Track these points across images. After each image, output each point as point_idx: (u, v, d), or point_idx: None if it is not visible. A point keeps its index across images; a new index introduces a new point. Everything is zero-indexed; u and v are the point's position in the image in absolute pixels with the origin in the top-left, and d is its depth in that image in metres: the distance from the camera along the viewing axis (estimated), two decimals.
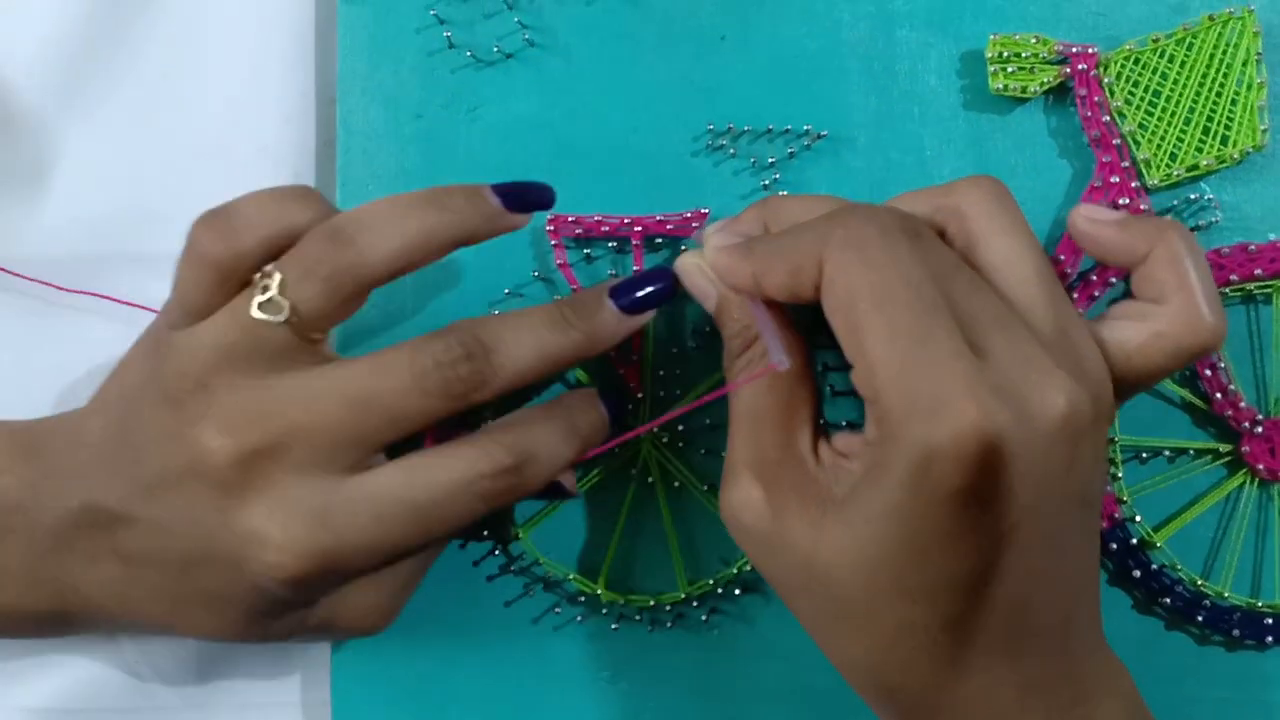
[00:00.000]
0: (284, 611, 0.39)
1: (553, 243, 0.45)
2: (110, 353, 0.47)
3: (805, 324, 0.39)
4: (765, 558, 0.36)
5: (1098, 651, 0.36)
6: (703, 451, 0.45)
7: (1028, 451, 0.32)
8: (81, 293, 0.47)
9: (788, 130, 0.45)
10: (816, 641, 0.37)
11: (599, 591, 0.44)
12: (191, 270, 0.38)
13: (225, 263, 0.38)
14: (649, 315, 0.41)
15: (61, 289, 0.47)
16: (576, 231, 0.45)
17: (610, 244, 0.45)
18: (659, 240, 0.45)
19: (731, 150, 0.45)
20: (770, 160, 0.45)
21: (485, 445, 0.38)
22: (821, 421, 0.39)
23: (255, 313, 0.37)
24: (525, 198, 0.41)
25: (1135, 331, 0.36)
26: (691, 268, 0.39)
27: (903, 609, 0.34)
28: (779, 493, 0.36)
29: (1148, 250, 0.37)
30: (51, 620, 0.41)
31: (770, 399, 0.37)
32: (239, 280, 0.38)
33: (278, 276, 0.37)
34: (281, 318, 0.37)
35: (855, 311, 0.33)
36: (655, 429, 0.45)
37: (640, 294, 0.40)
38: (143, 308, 0.46)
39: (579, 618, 0.45)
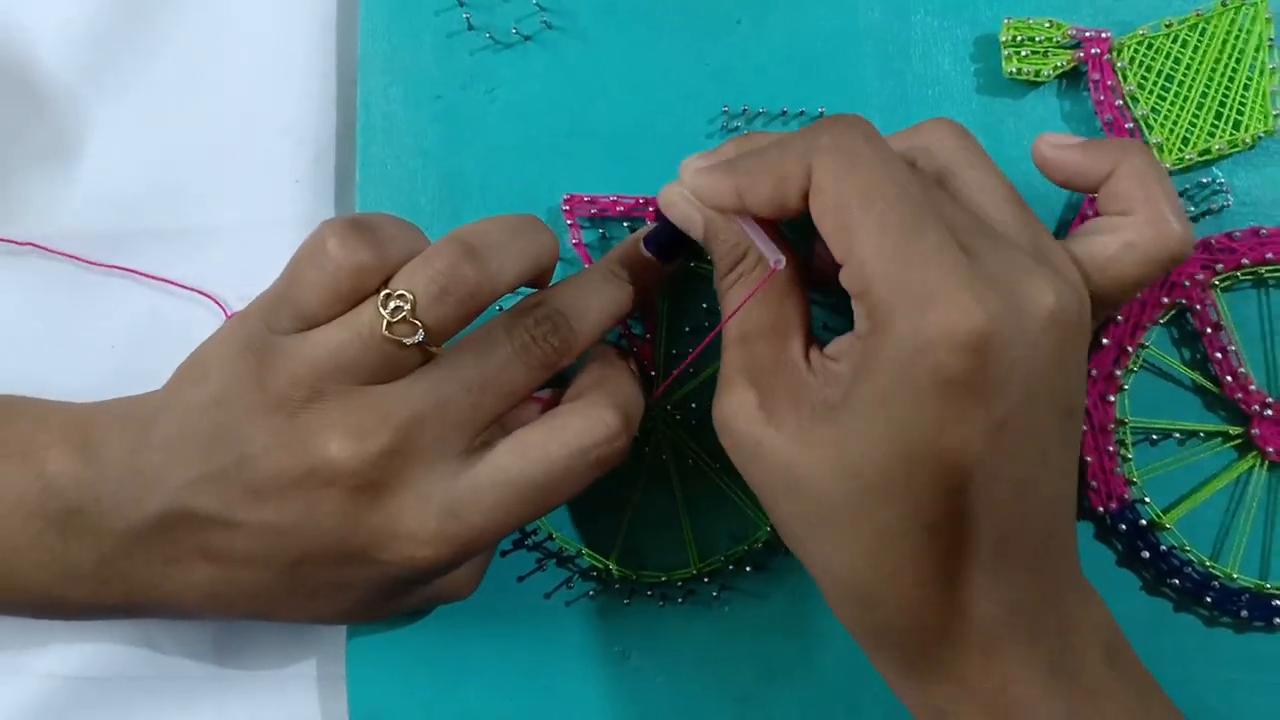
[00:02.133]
0: (402, 593, 0.40)
1: (568, 222, 0.45)
2: (137, 326, 0.48)
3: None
4: (753, 463, 0.37)
5: (1077, 579, 0.37)
6: (710, 434, 0.45)
7: (1018, 343, 0.33)
8: (111, 267, 0.48)
9: (802, 113, 0.45)
10: (800, 554, 0.37)
11: (611, 567, 0.45)
12: (321, 276, 0.37)
13: (367, 273, 0.37)
14: (679, 261, 0.42)
15: (91, 263, 0.48)
16: (592, 211, 0.45)
17: (625, 224, 0.46)
18: None
19: (746, 132, 0.46)
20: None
21: (591, 412, 0.39)
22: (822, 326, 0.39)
23: (386, 332, 0.37)
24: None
25: (1106, 243, 0.37)
26: (675, 196, 0.40)
27: (885, 511, 0.34)
28: (771, 398, 0.36)
29: (1112, 168, 0.38)
30: (120, 612, 0.41)
31: (762, 309, 0.38)
32: (365, 293, 0.37)
33: (410, 296, 0.37)
34: (417, 339, 0.37)
35: (845, 211, 0.34)
36: (671, 402, 0.45)
37: (670, 239, 0.41)
38: (171, 282, 0.47)
39: (591, 593, 0.46)
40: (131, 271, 0.48)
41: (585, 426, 0.38)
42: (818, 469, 0.34)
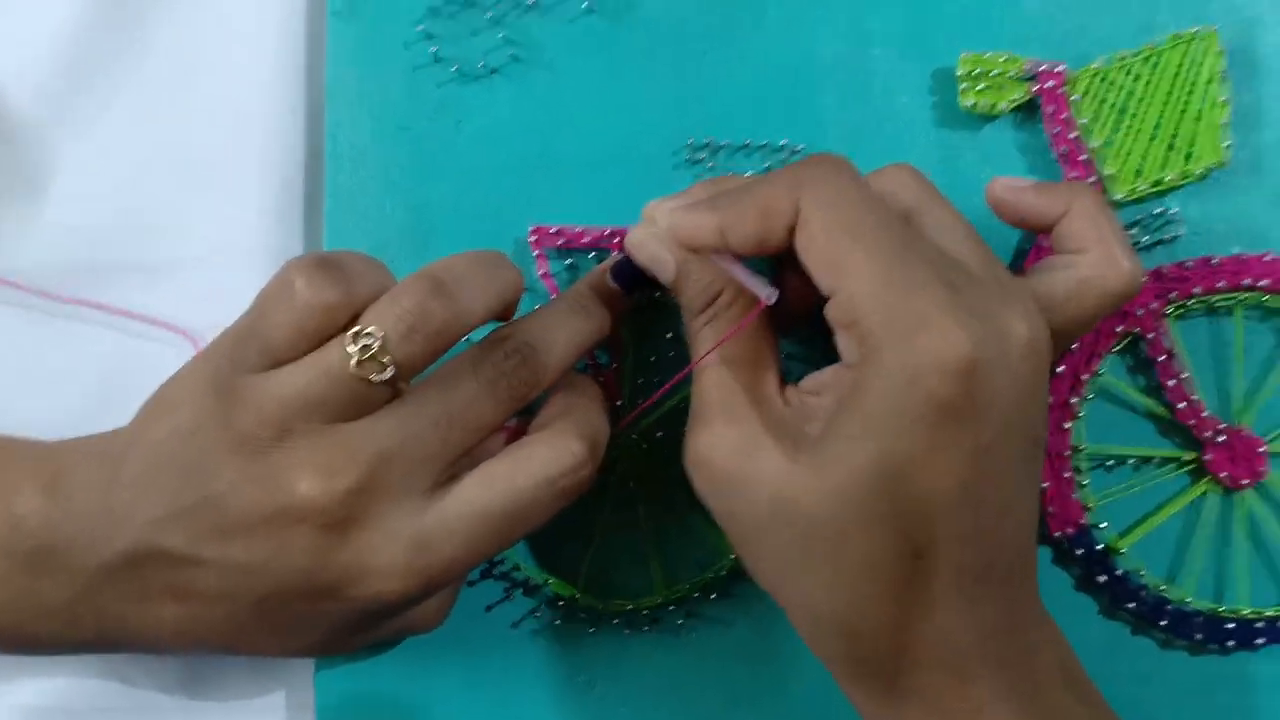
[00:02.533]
0: (371, 626, 0.40)
1: (535, 253, 0.46)
2: (107, 362, 0.48)
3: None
4: (728, 499, 0.37)
5: (1038, 605, 0.38)
6: (676, 463, 0.46)
7: (1000, 371, 0.34)
8: (79, 302, 0.48)
9: (765, 145, 0.46)
10: (777, 591, 0.37)
11: (577, 596, 0.45)
12: (289, 315, 0.37)
13: (335, 311, 0.37)
14: (645, 293, 0.43)
15: (60, 299, 0.48)
16: (559, 242, 0.46)
17: (591, 255, 0.46)
18: None
19: (710, 163, 0.46)
20: (748, 173, 0.46)
21: (556, 442, 0.39)
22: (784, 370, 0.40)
23: (355, 369, 0.37)
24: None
25: (1062, 280, 0.38)
26: (644, 237, 0.40)
27: (871, 538, 0.34)
28: (751, 432, 0.37)
29: (1064, 209, 0.39)
30: (92, 647, 0.41)
31: (736, 345, 0.39)
32: (333, 331, 0.38)
33: (379, 334, 0.37)
34: (386, 376, 0.37)
35: (834, 243, 0.35)
36: (637, 431, 0.46)
37: (636, 270, 0.42)
38: (140, 317, 0.47)
39: (557, 621, 0.46)
40: (103, 307, 0.47)
41: (551, 457, 0.39)
42: (803, 499, 0.35)
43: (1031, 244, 0.45)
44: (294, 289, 0.37)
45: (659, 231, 0.40)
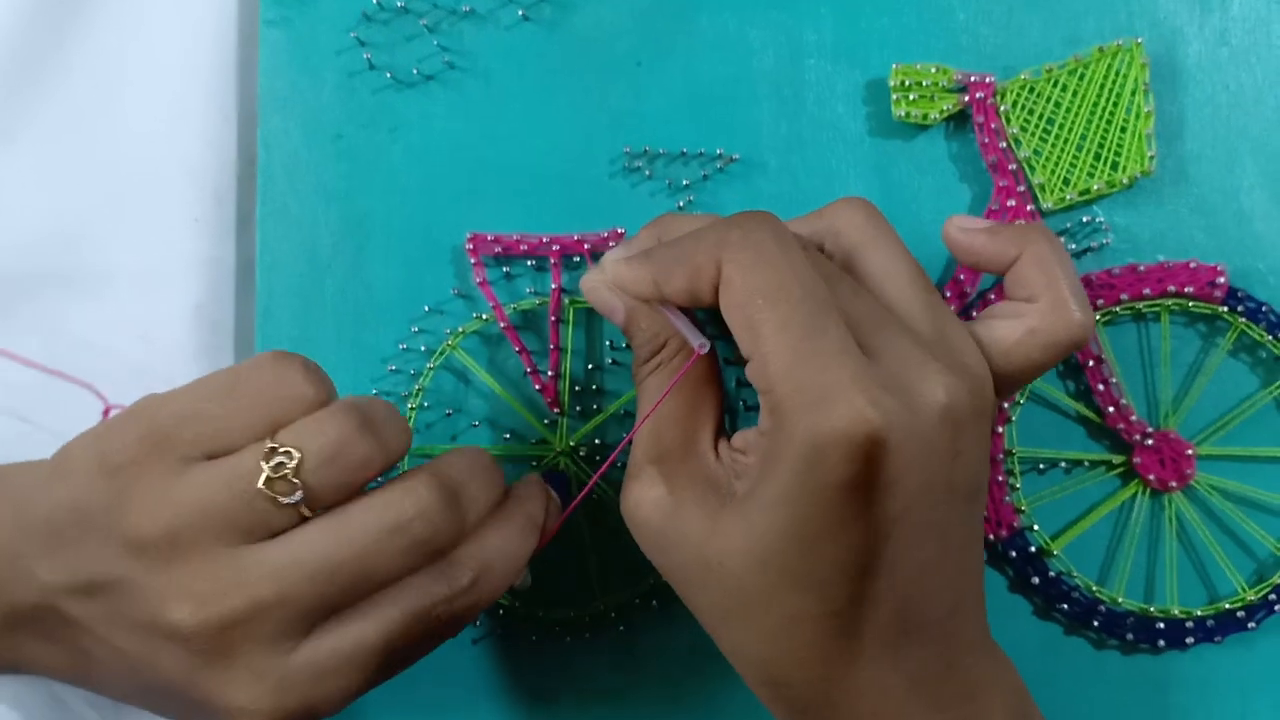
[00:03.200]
0: None
1: (472, 260, 0.46)
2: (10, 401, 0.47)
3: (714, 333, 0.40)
4: (662, 552, 0.37)
5: (983, 647, 0.38)
6: (620, 465, 0.46)
7: (911, 442, 0.34)
8: None
9: (701, 153, 0.46)
10: (712, 635, 0.37)
11: (517, 604, 0.45)
12: (258, 409, 0.36)
13: (305, 410, 0.36)
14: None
15: None
16: (496, 250, 0.46)
17: (529, 262, 0.46)
18: (576, 259, 0.46)
19: (648, 172, 0.46)
20: (685, 182, 0.46)
21: (441, 567, 0.37)
22: (726, 424, 0.40)
23: (263, 485, 0.35)
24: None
25: (1010, 329, 0.38)
26: (597, 284, 0.40)
27: (792, 599, 0.35)
28: (678, 488, 0.37)
29: (1017, 254, 0.39)
30: (12, 672, 0.40)
31: (675, 398, 0.39)
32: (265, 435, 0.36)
33: (297, 455, 0.35)
34: (293, 500, 0.35)
35: (751, 307, 0.35)
36: (574, 443, 0.46)
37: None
38: (38, 366, 0.46)
39: (498, 631, 0.46)
40: (5, 354, 0.47)
41: (427, 582, 0.37)
42: (727, 560, 0.35)
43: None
44: (279, 382, 0.36)
45: (608, 279, 0.39)
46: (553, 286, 0.46)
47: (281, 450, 0.35)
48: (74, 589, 0.37)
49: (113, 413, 0.44)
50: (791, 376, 0.34)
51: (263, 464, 0.35)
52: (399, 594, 0.37)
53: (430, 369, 0.46)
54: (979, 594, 0.38)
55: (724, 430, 0.39)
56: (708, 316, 0.41)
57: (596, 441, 0.46)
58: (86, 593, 0.37)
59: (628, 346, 0.46)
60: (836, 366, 0.33)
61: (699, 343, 0.38)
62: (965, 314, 0.46)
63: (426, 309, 0.46)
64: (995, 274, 0.40)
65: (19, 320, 0.48)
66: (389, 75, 0.47)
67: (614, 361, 0.46)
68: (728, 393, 0.41)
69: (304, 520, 0.36)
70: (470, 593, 0.38)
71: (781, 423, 0.34)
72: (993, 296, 0.46)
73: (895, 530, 0.34)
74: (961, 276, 0.45)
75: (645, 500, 0.37)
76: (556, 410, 0.46)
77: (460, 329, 0.46)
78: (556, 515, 0.41)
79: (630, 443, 0.40)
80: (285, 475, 0.35)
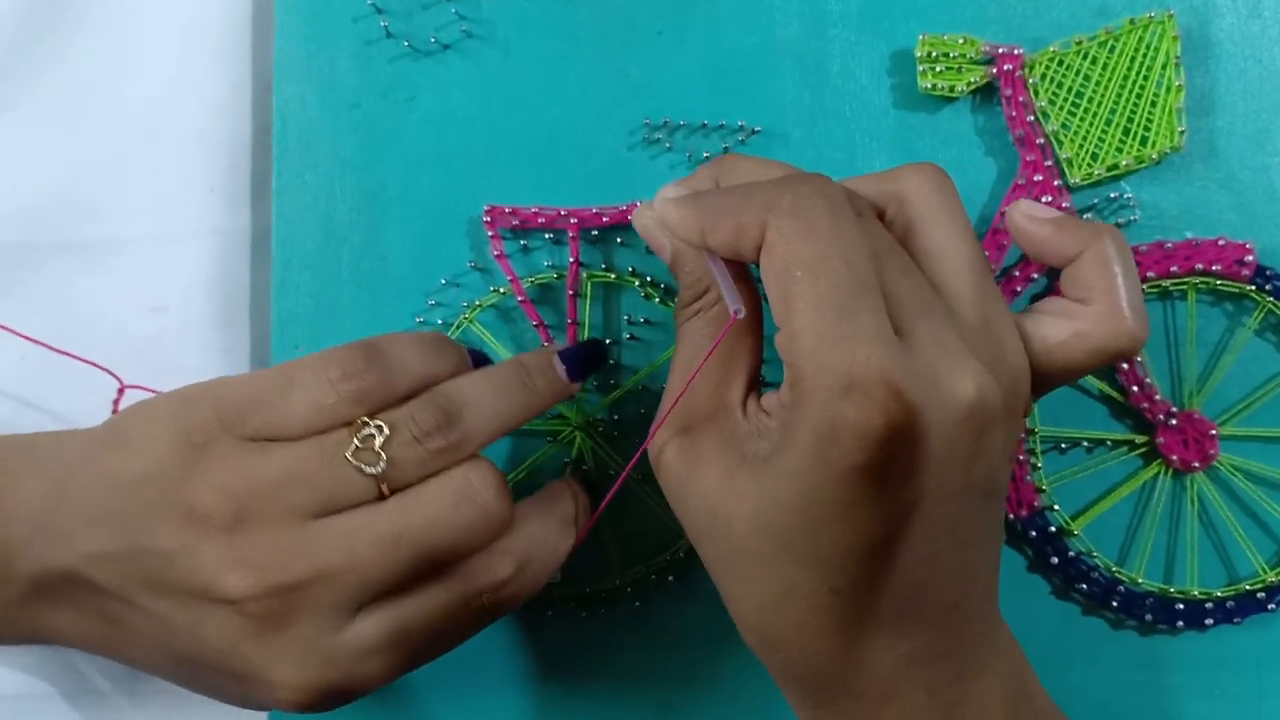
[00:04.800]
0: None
1: (489, 234, 0.45)
2: (5, 377, 0.47)
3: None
4: (679, 500, 0.37)
5: (988, 633, 0.37)
6: (636, 440, 0.46)
7: (933, 436, 0.33)
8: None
9: (722, 125, 0.46)
10: (718, 587, 0.37)
11: None
12: (321, 395, 0.37)
13: (371, 400, 0.37)
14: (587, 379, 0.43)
15: None
16: (513, 223, 0.45)
17: (547, 235, 0.46)
18: (595, 232, 0.46)
19: (667, 144, 0.46)
20: (705, 155, 0.46)
21: (485, 558, 0.38)
22: (762, 378, 0.39)
23: (350, 454, 0.37)
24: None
25: (1058, 328, 0.37)
26: (647, 220, 0.39)
27: (790, 571, 0.34)
28: (702, 440, 0.37)
29: (1079, 251, 0.38)
30: (30, 642, 0.40)
31: (710, 345, 0.38)
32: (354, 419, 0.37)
33: (387, 430, 0.37)
34: (376, 470, 0.37)
35: (788, 278, 0.34)
36: (591, 419, 0.45)
37: (582, 360, 0.42)
38: (43, 344, 0.46)
39: None
40: (20, 335, 0.46)
41: (474, 571, 0.38)
42: (734, 518, 0.35)
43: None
44: (328, 369, 0.37)
45: (657, 217, 0.39)
46: (570, 260, 0.45)
47: (373, 423, 0.37)
48: (115, 557, 0.37)
49: (129, 393, 0.44)
50: (817, 356, 0.33)
51: (353, 436, 0.37)
52: (447, 580, 0.38)
53: None
54: (988, 585, 0.37)
55: (759, 384, 0.39)
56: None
57: (614, 417, 0.45)
58: (129, 560, 0.37)
59: (645, 322, 0.45)
60: (864, 353, 0.33)
61: (735, 308, 0.37)
62: (1004, 276, 0.45)
63: (443, 282, 0.46)
64: (1055, 266, 0.39)
65: (29, 290, 0.47)
66: (406, 44, 0.46)
67: (631, 337, 0.46)
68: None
69: (380, 499, 0.37)
70: (512, 583, 0.39)
71: (800, 400, 0.33)
72: (1016, 273, 0.45)
73: (905, 520, 0.34)
74: (985, 253, 0.45)
75: (669, 448, 0.37)
76: (553, 344, 0.45)
77: (477, 302, 0.46)
78: (587, 516, 0.42)
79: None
80: (372, 447, 0.37)
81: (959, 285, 0.36)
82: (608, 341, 0.46)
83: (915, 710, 0.35)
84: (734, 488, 0.35)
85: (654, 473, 0.38)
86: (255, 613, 0.36)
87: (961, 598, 0.36)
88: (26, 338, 0.46)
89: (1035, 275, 0.45)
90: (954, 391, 0.33)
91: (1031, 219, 0.39)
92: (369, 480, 0.37)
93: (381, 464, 0.37)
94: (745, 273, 0.38)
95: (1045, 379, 0.37)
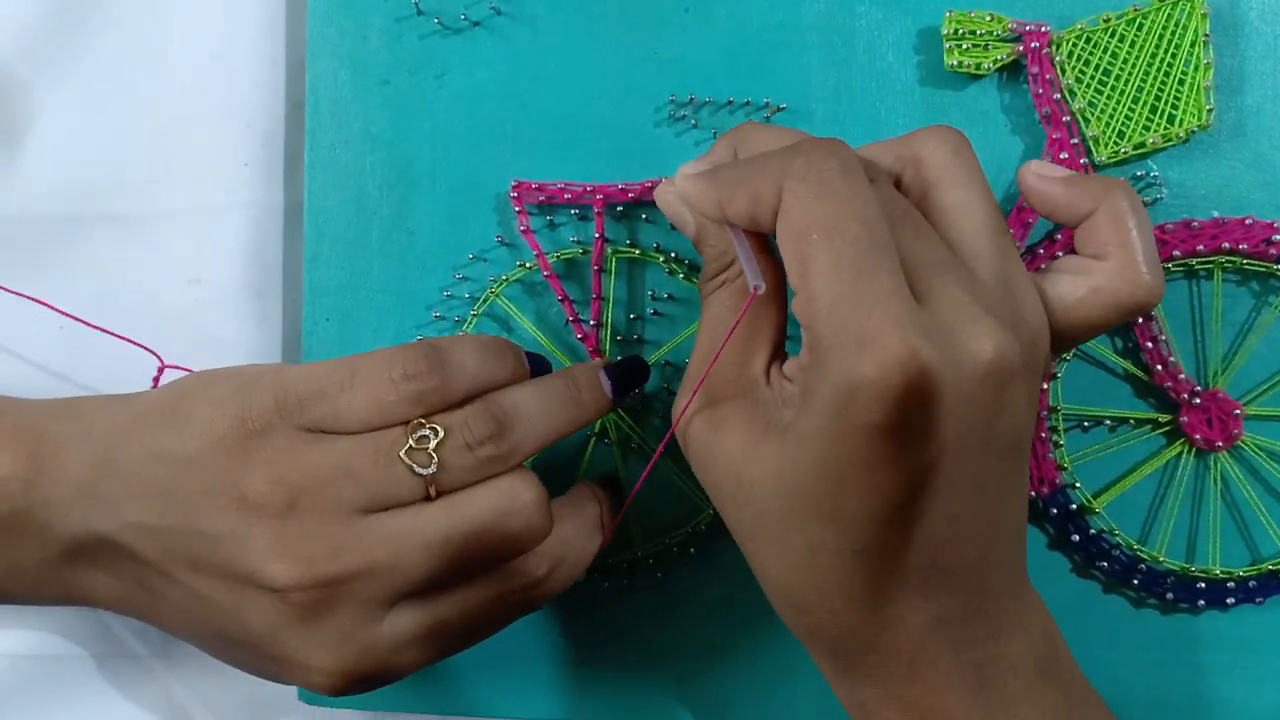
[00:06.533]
0: None
1: (516, 209, 0.46)
2: (46, 347, 0.48)
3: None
4: (704, 467, 0.37)
5: (1016, 592, 0.37)
6: (659, 413, 0.46)
7: (952, 394, 0.33)
8: (17, 294, 0.47)
9: (748, 102, 0.46)
10: (744, 551, 0.38)
11: None
12: (382, 392, 0.38)
13: (429, 402, 0.38)
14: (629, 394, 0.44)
15: (9, 291, 0.47)
16: (540, 198, 0.46)
17: (573, 211, 0.46)
18: (620, 208, 0.46)
19: (693, 121, 0.46)
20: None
21: (522, 560, 0.39)
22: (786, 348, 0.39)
23: (404, 453, 0.37)
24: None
25: (1075, 285, 0.37)
26: (670, 196, 0.40)
27: (815, 531, 0.35)
28: (726, 409, 0.37)
29: (1093, 208, 0.38)
30: (63, 604, 0.41)
31: (734, 318, 0.38)
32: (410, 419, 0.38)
33: (441, 433, 0.38)
34: (428, 471, 0.37)
35: (804, 240, 0.34)
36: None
37: (624, 380, 0.43)
38: (75, 318, 0.47)
39: None
40: (40, 302, 0.47)
41: (507, 572, 0.39)
42: (759, 482, 0.35)
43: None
44: (392, 369, 0.38)
45: (679, 193, 0.39)
46: (596, 236, 0.46)
47: (430, 425, 0.37)
48: (160, 531, 0.37)
49: (168, 373, 0.45)
50: (834, 316, 0.33)
51: (408, 435, 0.37)
52: (483, 579, 0.39)
53: (474, 316, 0.46)
54: (1014, 544, 0.37)
55: (782, 354, 0.39)
56: None
57: (636, 391, 0.46)
58: (173, 537, 0.37)
59: (669, 297, 0.46)
60: (881, 311, 0.33)
61: (755, 282, 0.37)
62: (1029, 251, 0.45)
63: (471, 256, 0.47)
64: (1068, 225, 0.39)
65: (70, 262, 0.49)
66: (436, 21, 0.47)
67: (655, 312, 0.46)
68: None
69: (426, 500, 0.38)
70: (544, 583, 0.40)
71: (819, 361, 0.34)
72: (1041, 250, 0.45)
73: (927, 478, 0.34)
74: (1010, 230, 0.45)
75: (695, 419, 0.38)
76: (599, 358, 0.46)
77: (504, 277, 0.46)
78: (611, 516, 0.43)
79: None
80: (426, 449, 0.37)
81: (976, 244, 0.36)
82: (631, 317, 0.46)
83: (944, 670, 0.36)
84: (758, 453, 0.35)
85: (679, 444, 0.38)
86: (298, 602, 0.36)
87: (987, 557, 0.36)
88: (65, 314, 0.47)
89: (1060, 253, 0.45)
90: (971, 350, 0.34)
91: (1043, 178, 0.39)
92: (419, 480, 0.37)
93: (433, 466, 0.37)
94: (766, 245, 0.38)
95: (1064, 337, 0.37)
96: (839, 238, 0.33)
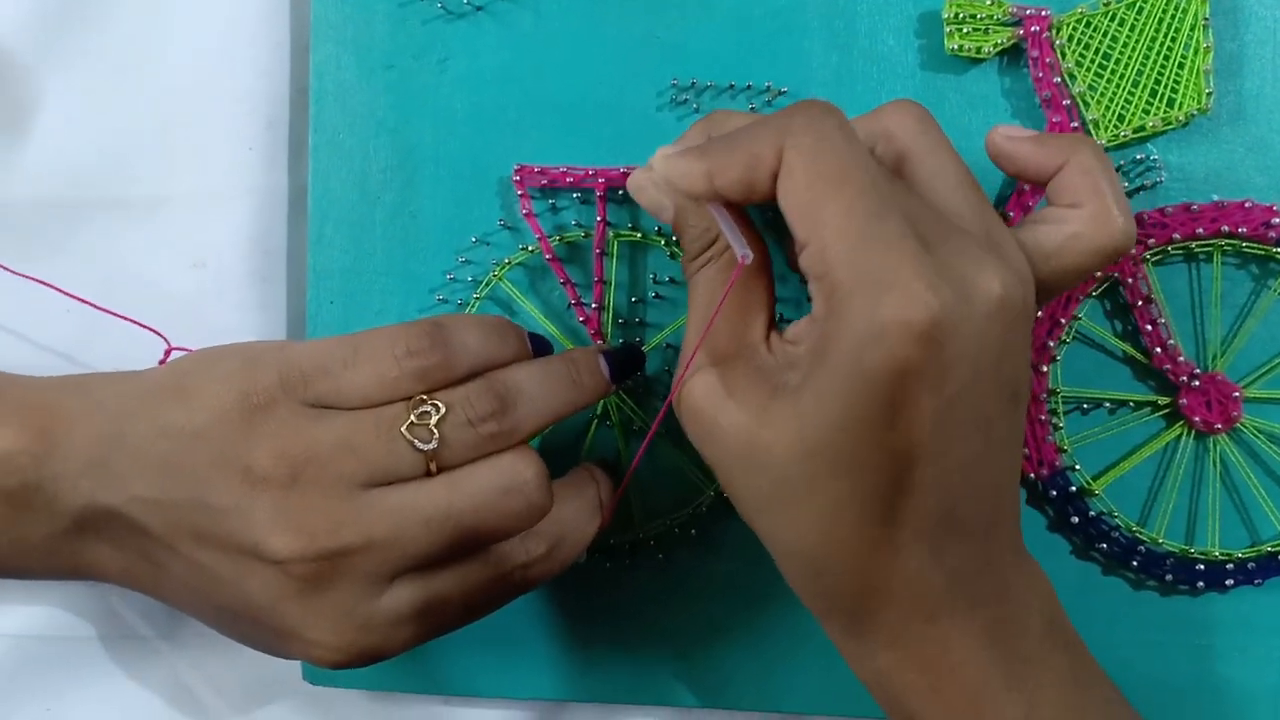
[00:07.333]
0: None
1: (519, 192, 0.46)
2: (52, 330, 0.48)
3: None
4: (710, 442, 0.38)
5: (1019, 553, 0.38)
6: (659, 396, 0.46)
7: (966, 331, 0.34)
8: (27, 277, 0.47)
9: (749, 86, 0.46)
10: (754, 526, 0.38)
11: None
12: (385, 368, 0.38)
13: (432, 378, 0.38)
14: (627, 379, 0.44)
15: (6, 270, 0.47)
16: (542, 182, 0.46)
17: (575, 194, 0.47)
18: (622, 192, 0.46)
19: (695, 105, 0.46)
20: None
21: (521, 539, 0.40)
22: (777, 318, 0.40)
23: (405, 429, 0.38)
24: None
25: (1054, 234, 0.38)
26: (644, 182, 0.40)
27: (836, 485, 0.35)
28: (729, 379, 0.37)
29: (1062, 162, 0.39)
30: (71, 579, 0.42)
31: (723, 291, 0.38)
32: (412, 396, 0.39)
33: (442, 409, 0.38)
34: (429, 446, 0.38)
35: (813, 193, 0.34)
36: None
37: (623, 365, 0.43)
38: (82, 300, 0.47)
39: None
40: (49, 285, 0.47)
41: (509, 548, 0.40)
42: (775, 447, 0.35)
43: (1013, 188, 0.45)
44: (395, 345, 0.38)
45: (657, 176, 0.39)
46: (598, 219, 0.46)
47: (430, 402, 0.38)
48: (166, 504, 0.38)
49: (174, 354, 0.45)
50: (852, 261, 0.34)
51: (409, 411, 0.38)
52: (482, 557, 0.39)
53: (476, 299, 0.47)
54: (1015, 501, 0.38)
55: (775, 323, 0.39)
56: (764, 222, 0.41)
57: (637, 374, 0.46)
58: (179, 510, 0.38)
59: (670, 280, 0.46)
60: (898, 253, 0.33)
61: (742, 252, 0.37)
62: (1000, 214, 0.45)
63: (473, 240, 0.47)
64: (1038, 183, 0.40)
65: (76, 246, 0.49)
66: (439, 6, 0.47)
67: (657, 295, 0.46)
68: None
69: (427, 475, 0.38)
70: (544, 562, 0.40)
71: (837, 308, 0.34)
72: (1026, 187, 0.45)
73: (943, 419, 0.34)
74: (1011, 214, 0.45)
75: (696, 391, 0.38)
76: (600, 342, 0.46)
77: (506, 260, 0.47)
78: (609, 497, 0.43)
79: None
80: (427, 424, 0.38)
81: (956, 202, 0.37)
82: (633, 300, 0.46)
83: (962, 626, 0.36)
84: (769, 419, 0.36)
85: (679, 419, 0.39)
86: (299, 574, 0.37)
87: (997, 503, 0.37)
88: (73, 296, 0.47)
89: (1031, 203, 0.45)
90: (980, 288, 0.34)
91: (1010, 139, 0.40)
92: (419, 456, 0.38)
93: (434, 441, 0.38)
94: (747, 219, 0.39)
95: (1047, 285, 0.38)
96: (847, 186, 0.34)
